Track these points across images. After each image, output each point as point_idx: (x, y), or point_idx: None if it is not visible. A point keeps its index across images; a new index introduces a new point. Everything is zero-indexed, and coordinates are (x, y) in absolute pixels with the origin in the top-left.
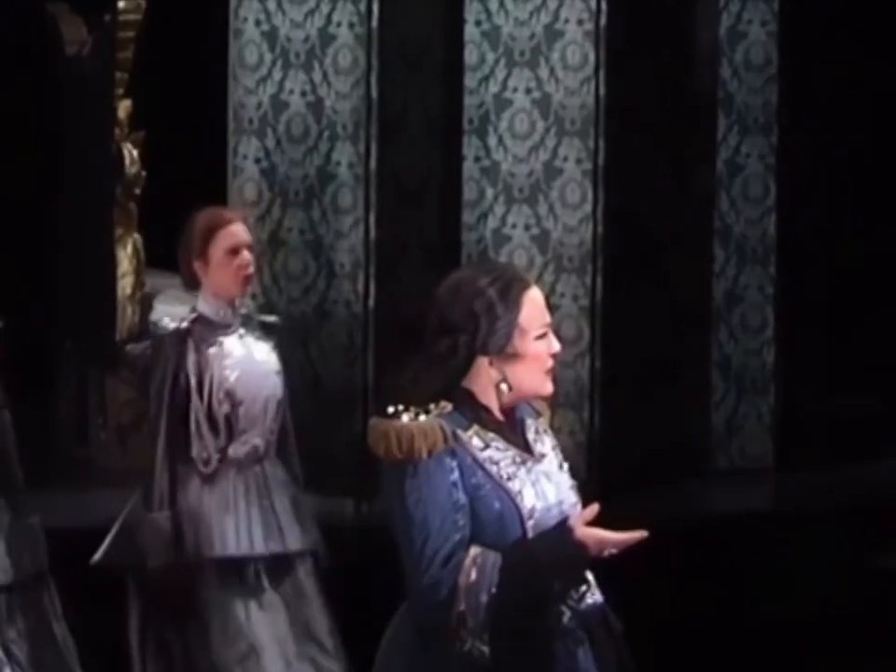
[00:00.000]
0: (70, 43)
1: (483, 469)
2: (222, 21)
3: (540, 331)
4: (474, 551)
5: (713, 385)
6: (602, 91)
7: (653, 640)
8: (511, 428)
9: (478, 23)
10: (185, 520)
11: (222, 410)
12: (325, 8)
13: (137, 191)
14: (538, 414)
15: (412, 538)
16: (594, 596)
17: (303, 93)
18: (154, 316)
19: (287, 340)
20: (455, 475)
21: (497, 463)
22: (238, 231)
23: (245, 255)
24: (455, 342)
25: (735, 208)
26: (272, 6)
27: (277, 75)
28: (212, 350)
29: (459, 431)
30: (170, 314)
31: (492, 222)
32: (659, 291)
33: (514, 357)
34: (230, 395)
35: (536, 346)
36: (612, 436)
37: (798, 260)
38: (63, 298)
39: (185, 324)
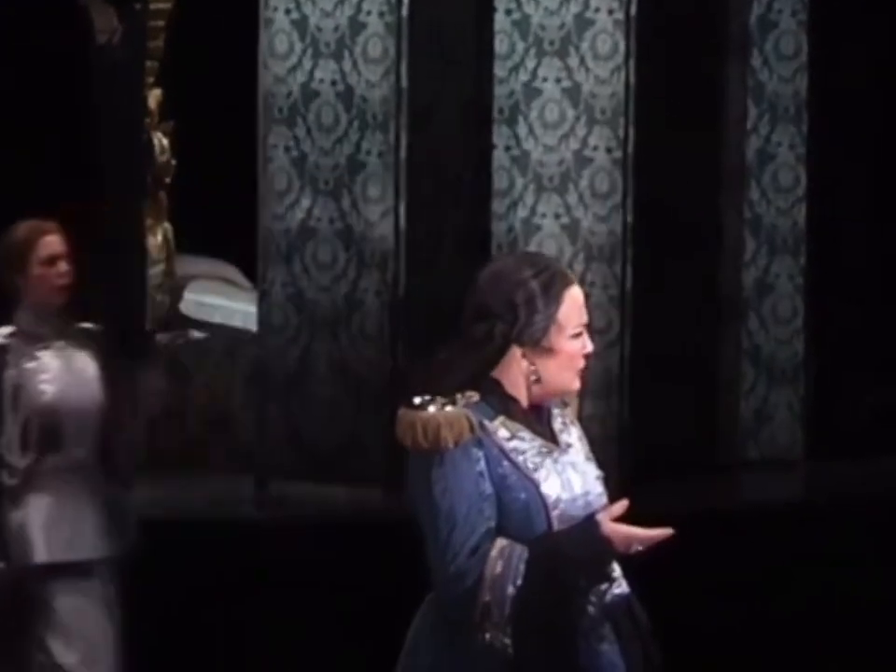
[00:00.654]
0: (101, 32)
1: (509, 459)
2: (252, 9)
3: (577, 330)
4: (501, 542)
5: (743, 374)
6: (632, 80)
7: (682, 632)
8: (537, 419)
9: (508, 12)
10: (5, 528)
11: (38, 424)
12: None
13: (167, 180)
14: (564, 405)
15: (438, 527)
16: (620, 588)
17: (333, 82)
18: (183, 305)
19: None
20: (482, 465)
21: (522, 453)
22: (54, 242)
23: (62, 265)
24: (491, 329)
25: (766, 197)
26: None
27: (307, 63)
28: (30, 365)
29: (486, 421)
30: (200, 302)
31: (522, 212)
32: (689, 281)
33: (548, 351)
34: (48, 409)
35: (571, 344)
36: (641, 426)
37: (828, 250)
38: (93, 287)
39: (1, 340)
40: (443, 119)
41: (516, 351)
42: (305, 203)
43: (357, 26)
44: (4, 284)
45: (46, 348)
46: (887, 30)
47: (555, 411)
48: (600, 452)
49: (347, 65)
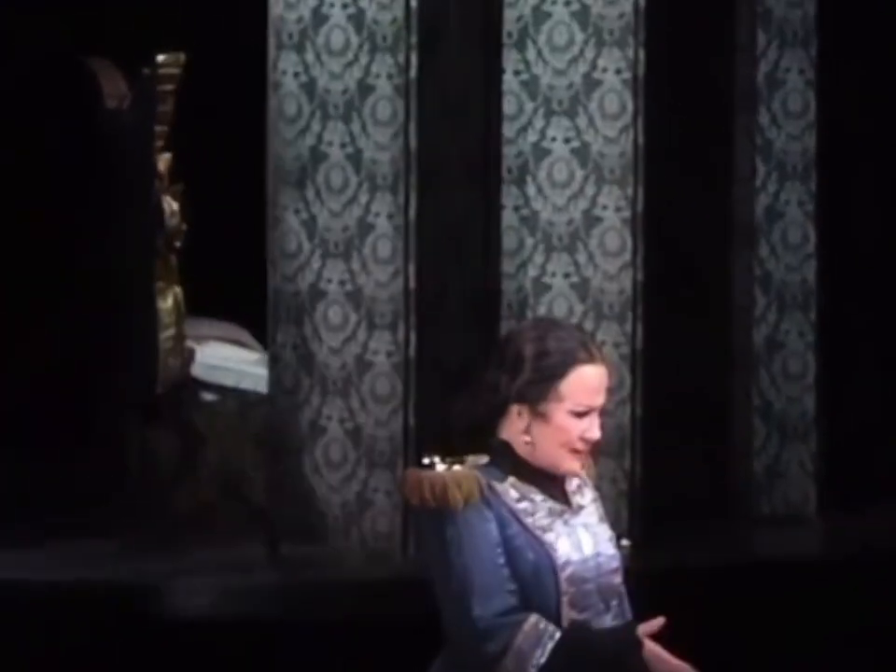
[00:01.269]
0: (110, 97)
1: (518, 520)
2: (261, 72)
3: (579, 408)
4: (534, 617)
5: (755, 431)
6: (641, 139)
7: None
8: (550, 481)
9: (517, 73)
10: None
11: None
12: (363, 60)
13: (178, 244)
14: (581, 466)
15: (459, 586)
16: None
17: (343, 145)
18: (194, 369)
19: None
20: (494, 525)
21: (532, 514)
22: None
23: None
24: (497, 378)
25: (775, 254)
26: (310, 58)
27: (316, 126)
28: None
29: (495, 483)
30: (211, 364)
31: (532, 271)
32: (700, 338)
33: (543, 417)
34: None
35: (568, 420)
36: (653, 483)
37: (838, 307)
38: (104, 351)
39: None
40: (452, 180)
41: (515, 407)
42: (315, 264)
43: (365, 88)
44: None
45: None
46: (894, 86)
47: None
48: (612, 509)
49: (356, 128)
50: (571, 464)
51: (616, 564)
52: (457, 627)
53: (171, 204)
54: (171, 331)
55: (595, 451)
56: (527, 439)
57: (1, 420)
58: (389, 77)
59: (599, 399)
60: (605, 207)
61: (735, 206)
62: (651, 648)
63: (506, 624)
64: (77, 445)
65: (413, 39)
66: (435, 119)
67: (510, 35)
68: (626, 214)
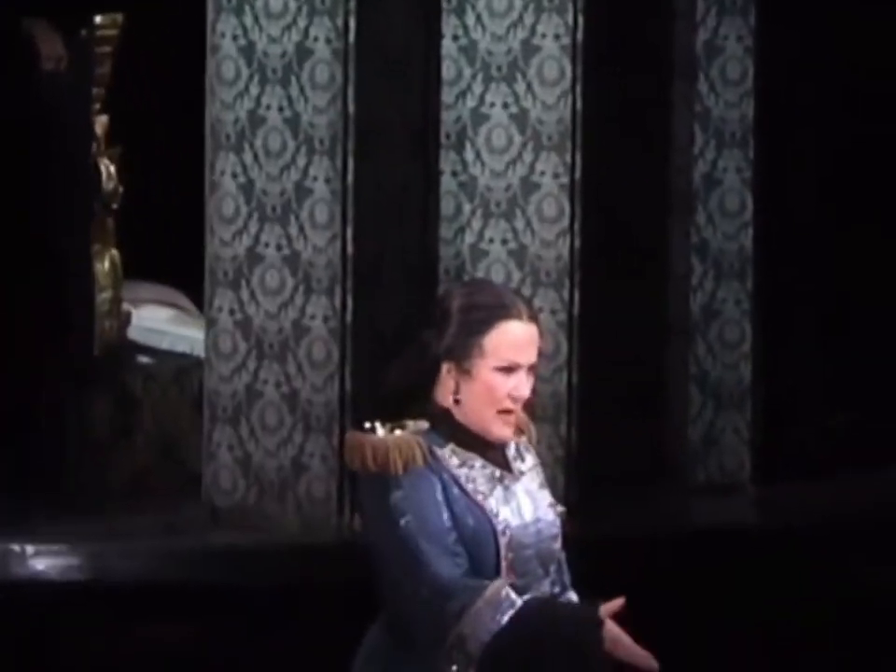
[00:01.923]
0: (47, 59)
1: (459, 485)
2: (199, 35)
3: (503, 363)
4: (498, 583)
5: (690, 399)
6: (579, 105)
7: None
8: (490, 446)
9: (455, 38)
10: None
11: None
12: (302, 23)
13: (114, 206)
14: (521, 432)
15: (406, 549)
16: None
17: (281, 109)
18: (130, 331)
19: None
20: (439, 488)
21: (472, 480)
22: None
23: None
24: (427, 337)
25: (713, 222)
26: (248, 21)
27: (254, 90)
28: None
29: (436, 448)
30: (147, 328)
31: (469, 237)
32: (636, 305)
33: (469, 374)
34: None
35: (492, 376)
36: (589, 450)
37: (775, 275)
38: (40, 313)
39: None
40: (391, 145)
41: (444, 366)
42: (253, 228)
43: (303, 52)
44: None
45: None
46: (832, 55)
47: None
48: (548, 475)
49: (294, 91)
50: (501, 429)
51: (556, 530)
52: (411, 590)
53: (108, 167)
54: (107, 294)
55: (531, 413)
56: (454, 397)
57: None
58: (328, 40)
59: (526, 357)
60: (543, 174)
61: (672, 174)
62: (612, 629)
63: (469, 586)
64: (12, 409)
65: (352, 2)
66: (373, 83)
67: None
68: (564, 180)
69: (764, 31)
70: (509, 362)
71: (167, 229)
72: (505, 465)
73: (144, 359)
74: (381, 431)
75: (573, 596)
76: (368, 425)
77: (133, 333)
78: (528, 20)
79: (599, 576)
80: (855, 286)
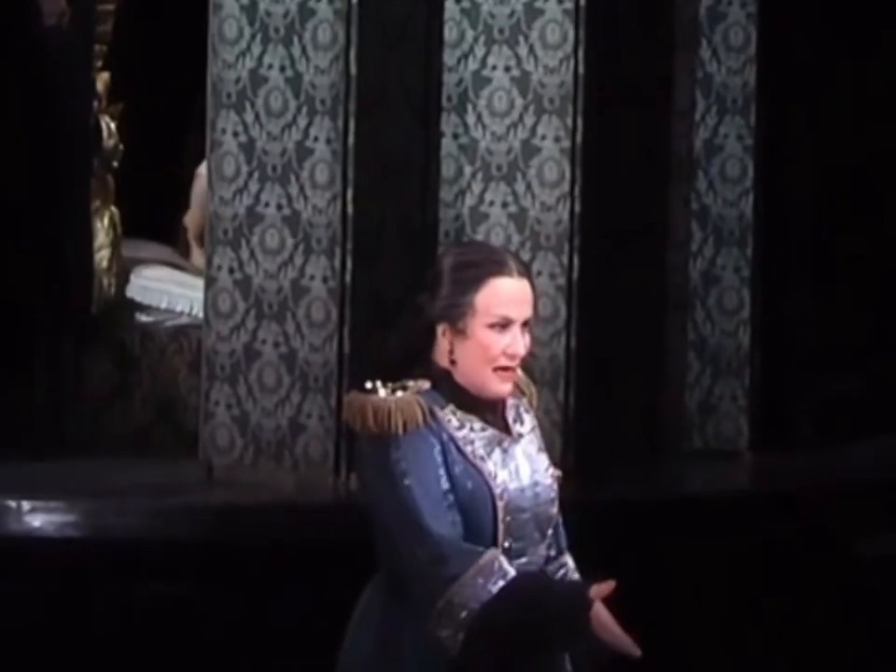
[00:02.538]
0: (49, 15)
1: (458, 447)
2: None
3: (495, 320)
4: (493, 552)
5: (689, 365)
6: (581, 69)
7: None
8: (490, 409)
9: (457, 0)
10: None
11: None
12: None
13: (115, 164)
14: (521, 394)
15: (406, 509)
16: None
17: (282, 68)
18: (129, 290)
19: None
20: (438, 450)
21: (471, 442)
22: None
23: None
24: (422, 299)
25: (713, 189)
26: None
27: (256, 49)
28: None
29: (436, 409)
30: (146, 286)
31: (470, 200)
32: (636, 271)
33: (463, 334)
34: None
35: (486, 333)
36: (587, 414)
37: (775, 243)
38: (38, 270)
39: None
40: (392, 106)
41: (439, 328)
42: (253, 188)
43: (306, 12)
44: None
45: None
46: (835, 23)
47: (511, 400)
48: (545, 439)
49: (296, 51)
50: (498, 386)
51: (553, 494)
52: (408, 550)
53: (109, 125)
54: (106, 252)
55: (529, 373)
56: (453, 358)
57: None
58: (330, 1)
59: (518, 312)
60: (544, 137)
61: (673, 139)
62: (599, 611)
63: (463, 550)
64: (10, 365)
65: None
66: (375, 44)
67: None
68: (565, 144)
69: None
70: (501, 318)
71: (167, 187)
72: (505, 428)
73: (142, 318)
74: (382, 392)
75: (569, 560)
76: (369, 385)
77: (132, 292)
78: None
79: (595, 541)
80: (855, 253)
